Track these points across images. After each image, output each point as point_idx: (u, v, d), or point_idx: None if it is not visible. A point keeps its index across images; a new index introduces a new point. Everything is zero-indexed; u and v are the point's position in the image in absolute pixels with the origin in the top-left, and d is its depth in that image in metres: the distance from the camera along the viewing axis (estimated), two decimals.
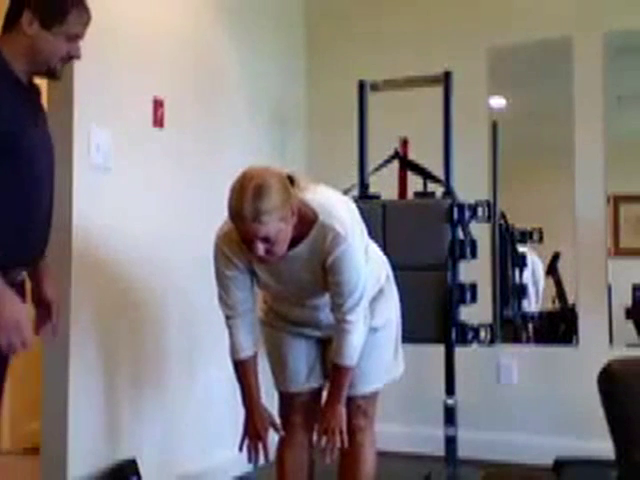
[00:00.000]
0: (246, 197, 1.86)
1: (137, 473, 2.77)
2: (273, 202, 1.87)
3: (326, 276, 2.04)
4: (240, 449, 2.22)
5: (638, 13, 3.68)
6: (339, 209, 2.05)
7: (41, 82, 2.61)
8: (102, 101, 2.76)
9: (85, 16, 1.95)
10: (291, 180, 2.02)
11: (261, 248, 1.91)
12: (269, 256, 1.95)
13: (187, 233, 3.21)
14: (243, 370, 2.21)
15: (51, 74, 1.96)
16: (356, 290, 2.04)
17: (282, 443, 2.34)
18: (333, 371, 2.16)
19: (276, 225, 1.89)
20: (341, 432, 2.13)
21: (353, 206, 2.18)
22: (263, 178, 1.90)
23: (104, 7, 2.80)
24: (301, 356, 2.30)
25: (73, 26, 1.90)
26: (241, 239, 1.96)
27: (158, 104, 3.06)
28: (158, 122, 3.06)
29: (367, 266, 2.14)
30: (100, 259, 2.75)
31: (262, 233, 1.88)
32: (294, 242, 2.00)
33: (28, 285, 2.23)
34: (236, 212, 1.89)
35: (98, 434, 2.70)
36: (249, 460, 2.22)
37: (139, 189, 2.95)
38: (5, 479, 3.39)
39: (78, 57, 1.97)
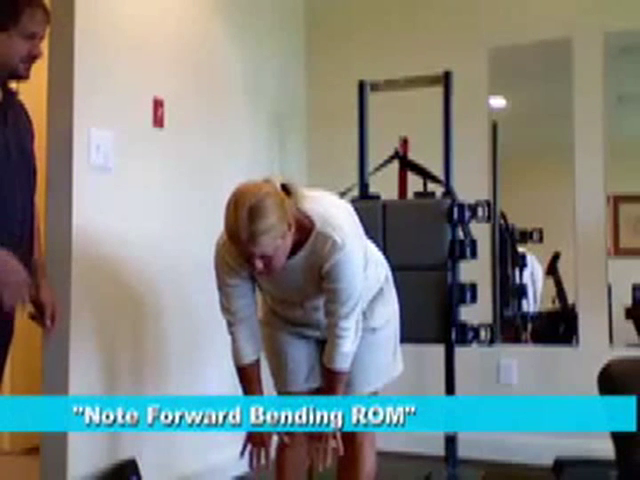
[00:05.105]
0: (241, 219, 1.85)
1: (137, 473, 2.77)
2: (269, 222, 1.86)
3: (322, 282, 2.04)
4: (242, 455, 2.22)
5: (638, 13, 3.68)
6: (337, 217, 2.04)
7: (40, 84, 2.63)
8: (102, 101, 2.77)
9: (41, 14, 1.93)
10: (287, 189, 2.00)
11: (260, 264, 1.92)
12: (268, 270, 1.96)
13: (187, 233, 3.21)
14: (246, 375, 2.20)
15: (16, 76, 1.96)
16: (351, 298, 2.04)
17: (282, 442, 2.33)
18: (326, 375, 2.17)
19: (273, 243, 1.89)
20: (334, 437, 2.12)
21: (352, 210, 2.17)
22: (257, 197, 1.87)
23: (104, 7, 2.81)
24: (301, 357, 2.30)
25: (29, 25, 1.90)
26: (240, 255, 1.97)
27: (158, 104, 3.06)
28: (158, 122, 3.06)
29: (367, 269, 2.14)
30: (100, 259, 2.75)
31: (259, 252, 1.89)
32: (292, 250, 2.00)
33: None
34: (232, 233, 1.90)
35: (98, 434, 2.70)
36: (250, 466, 2.22)
37: (139, 189, 2.95)
38: (5, 479, 3.39)
39: (39, 56, 1.97)
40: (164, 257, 3.08)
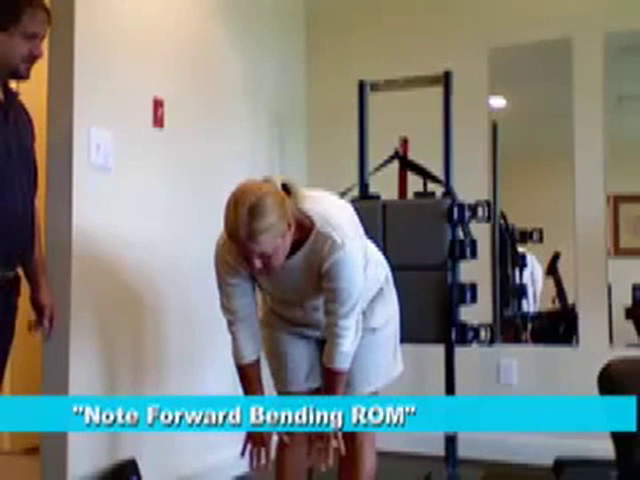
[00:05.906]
0: (241, 217, 1.86)
1: (137, 473, 2.77)
2: (268, 221, 1.87)
3: (321, 282, 2.05)
4: (242, 454, 2.22)
5: (638, 13, 3.68)
6: (337, 217, 2.04)
7: (40, 84, 2.63)
8: (102, 101, 2.77)
9: (41, 14, 1.94)
10: (288, 189, 2.01)
11: (258, 263, 1.93)
12: (267, 269, 1.96)
13: (187, 233, 3.21)
14: (246, 375, 2.21)
15: (17, 76, 1.96)
16: (350, 298, 2.04)
17: (282, 442, 2.33)
18: (326, 375, 2.17)
19: (272, 242, 1.90)
20: (336, 436, 2.12)
21: (352, 210, 2.17)
22: (257, 196, 1.88)
23: (104, 7, 2.81)
24: (301, 356, 2.30)
25: (29, 25, 1.90)
26: (239, 254, 1.97)
27: (158, 104, 3.06)
28: (158, 122, 3.06)
29: (367, 269, 2.14)
30: (100, 259, 2.75)
31: (259, 251, 1.90)
32: (292, 250, 2.01)
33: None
34: (232, 232, 1.90)
35: (98, 434, 2.70)
36: (250, 466, 2.22)
37: (139, 189, 2.95)
38: (5, 479, 3.39)
39: (40, 56, 1.97)
40: (164, 257, 3.08)
